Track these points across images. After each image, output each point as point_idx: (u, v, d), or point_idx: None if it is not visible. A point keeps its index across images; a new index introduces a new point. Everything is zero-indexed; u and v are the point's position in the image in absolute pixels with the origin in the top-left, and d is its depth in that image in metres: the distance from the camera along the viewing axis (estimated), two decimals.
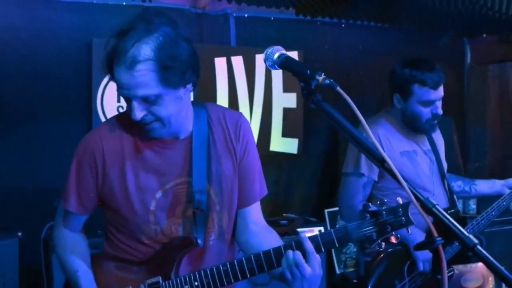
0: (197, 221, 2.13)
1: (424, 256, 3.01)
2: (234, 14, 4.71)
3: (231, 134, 2.22)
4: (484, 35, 5.68)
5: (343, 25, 5.18)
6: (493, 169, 6.05)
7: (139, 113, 1.98)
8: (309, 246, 1.93)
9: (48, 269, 3.77)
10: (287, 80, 4.93)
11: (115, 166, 2.11)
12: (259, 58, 4.76)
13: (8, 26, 4.12)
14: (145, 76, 1.93)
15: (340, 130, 1.65)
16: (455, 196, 3.30)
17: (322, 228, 4.52)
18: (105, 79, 4.37)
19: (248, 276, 2.02)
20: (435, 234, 1.41)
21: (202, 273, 2.05)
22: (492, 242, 4.90)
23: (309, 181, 5.15)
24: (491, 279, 4.71)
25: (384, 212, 1.93)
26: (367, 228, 1.92)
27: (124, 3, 4.36)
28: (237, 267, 2.02)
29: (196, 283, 2.05)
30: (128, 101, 2.00)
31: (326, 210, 4.73)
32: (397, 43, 5.49)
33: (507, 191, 3.39)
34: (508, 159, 6.13)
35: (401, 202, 1.93)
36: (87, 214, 2.26)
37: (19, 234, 3.71)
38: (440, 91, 3.14)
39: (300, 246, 1.95)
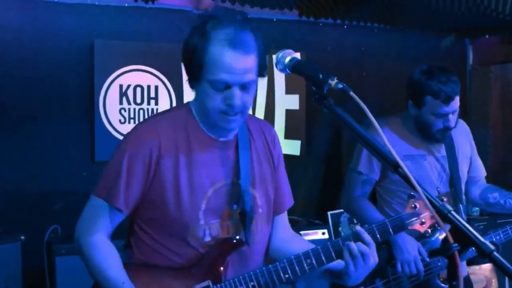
0: (244, 223, 2.14)
1: (403, 257, 3.02)
2: None
3: (268, 142, 2.27)
4: (487, 36, 5.64)
5: (345, 27, 5.15)
6: (495, 169, 5.97)
7: (239, 100, 1.98)
8: (368, 237, 2.03)
9: (51, 272, 3.77)
10: (289, 82, 4.92)
11: (169, 160, 2.06)
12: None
13: (9, 28, 4.12)
14: (253, 62, 1.99)
15: (353, 134, 1.64)
16: (461, 206, 3.26)
17: (325, 230, 4.50)
18: (108, 81, 4.38)
19: (307, 270, 2.06)
20: (451, 240, 1.39)
21: (258, 272, 2.07)
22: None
23: (312, 183, 5.13)
24: (494, 281, 4.73)
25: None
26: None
27: (126, 4, 4.36)
28: (295, 263, 2.06)
29: (252, 283, 2.06)
30: (223, 88, 1.98)
31: (329, 212, 4.71)
32: (400, 44, 5.50)
33: None
34: (510, 160, 6.14)
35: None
36: (127, 214, 2.12)
37: (22, 237, 3.71)
38: (453, 105, 3.10)
39: (358, 238, 2.04)
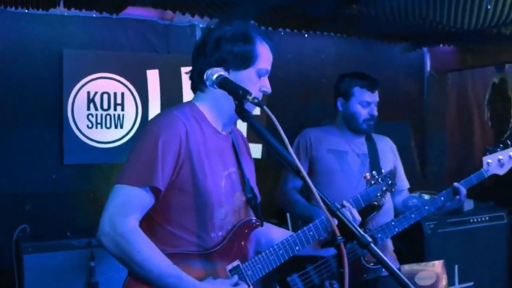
0: (254, 206, 2.42)
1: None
2: (201, 25, 4.91)
3: (245, 141, 2.63)
4: (441, 45, 5.89)
5: (306, 35, 5.35)
6: (452, 173, 6.23)
7: None
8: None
9: (19, 270, 3.89)
10: None
11: (194, 147, 2.25)
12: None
13: None
14: None
15: (265, 143, 1.89)
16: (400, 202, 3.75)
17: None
18: (76, 88, 4.54)
19: (311, 241, 2.48)
20: (338, 233, 1.65)
21: (275, 247, 2.42)
22: (447, 242, 5.09)
23: (273, 185, 5.34)
24: (444, 277, 4.94)
25: (382, 179, 3.07)
26: (377, 190, 3.04)
27: (94, 15, 4.53)
28: (301, 235, 2.47)
29: (272, 257, 2.40)
30: (265, 76, 2.42)
31: (288, 213, 4.94)
32: (359, 52, 5.70)
33: None
34: (466, 164, 6.34)
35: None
36: (157, 200, 2.20)
37: None
38: (376, 95, 3.68)
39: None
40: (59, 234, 3.97)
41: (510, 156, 3.59)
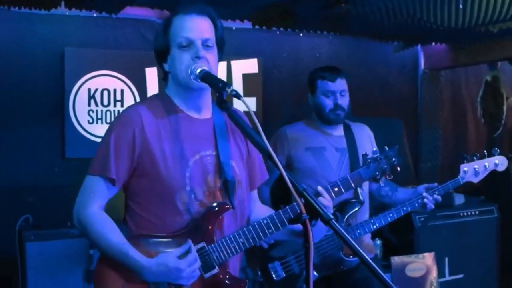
0: (228, 190, 2.41)
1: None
2: None
3: (241, 124, 2.46)
4: (433, 44, 5.97)
5: (301, 34, 5.44)
6: (445, 169, 6.29)
7: (203, 51, 2.36)
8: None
9: (22, 258, 4.03)
10: (246, 85, 5.30)
11: (153, 136, 2.33)
12: (221, 65, 5.12)
13: None
14: (209, 25, 2.43)
15: (241, 131, 2.06)
16: (359, 189, 3.67)
17: None
18: (77, 85, 4.71)
19: (286, 222, 2.40)
20: (304, 211, 1.81)
21: (245, 230, 2.40)
22: (437, 235, 5.19)
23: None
24: (434, 269, 5.06)
25: (381, 157, 3.09)
26: (374, 170, 3.10)
27: (94, 15, 4.65)
28: (275, 217, 2.41)
29: (241, 240, 2.39)
30: (188, 44, 2.37)
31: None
32: (354, 51, 5.82)
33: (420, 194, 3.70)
34: (459, 160, 6.41)
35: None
36: (118, 187, 2.39)
37: None
38: (339, 84, 3.73)
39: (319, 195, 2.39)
40: (60, 224, 4.11)
41: (485, 167, 3.66)
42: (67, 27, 4.69)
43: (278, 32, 5.36)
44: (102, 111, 4.82)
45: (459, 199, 5.53)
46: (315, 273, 3.42)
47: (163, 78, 2.54)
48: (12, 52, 4.53)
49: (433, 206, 3.62)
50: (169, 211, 2.35)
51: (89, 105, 4.78)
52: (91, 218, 2.34)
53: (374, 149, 3.25)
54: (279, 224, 2.41)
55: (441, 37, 5.49)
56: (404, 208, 3.63)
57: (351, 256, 3.56)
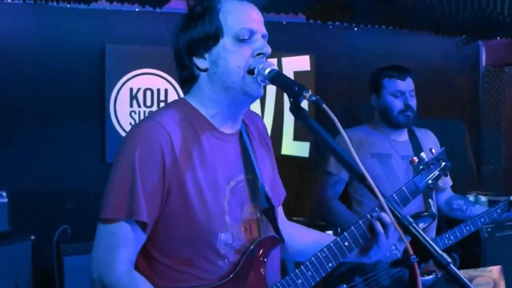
0: (272, 220, 1.97)
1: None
2: None
3: (263, 133, 2.12)
4: (498, 38, 5.64)
5: (355, 28, 5.18)
6: (508, 172, 6.02)
7: (267, 46, 1.89)
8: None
9: (60, 272, 3.88)
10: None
11: (184, 159, 1.79)
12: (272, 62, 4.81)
13: (23, 34, 4.29)
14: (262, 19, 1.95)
15: (324, 145, 1.68)
16: (431, 201, 3.36)
17: (331, 232, 4.53)
18: (118, 84, 4.51)
19: (347, 253, 1.99)
20: (411, 252, 1.44)
21: (302, 268, 1.93)
22: (505, 247, 4.91)
23: None
24: (502, 283, 4.72)
25: (433, 162, 2.51)
26: (428, 178, 2.45)
27: (137, 9, 4.47)
28: (334, 248, 1.97)
29: (299, 281, 1.93)
30: (250, 37, 1.87)
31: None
32: (411, 46, 5.55)
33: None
34: None
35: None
36: (148, 234, 1.81)
37: (32, 237, 3.79)
38: (409, 82, 3.44)
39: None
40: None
41: None
42: (107, 23, 4.53)
43: (331, 27, 5.12)
44: (145, 112, 4.62)
45: None
46: None
47: (184, 80, 1.94)
48: (49, 49, 4.38)
49: None
50: (207, 258, 1.84)
51: (131, 105, 4.58)
52: (123, 283, 1.78)
53: (422, 154, 2.72)
54: (340, 256, 1.98)
55: (509, 31, 5.16)
56: (482, 220, 3.37)
57: (425, 275, 3.19)
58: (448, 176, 3.64)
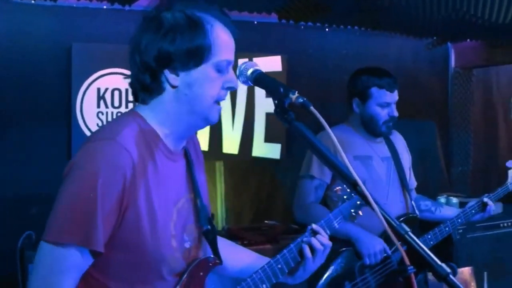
0: (211, 241, 1.94)
1: (369, 251, 3.14)
2: None
3: (197, 147, 2.05)
4: (468, 40, 5.68)
5: (327, 29, 5.17)
6: (476, 173, 6.12)
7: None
8: (324, 233, 2.23)
9: (24, 279, 3.71)
10: None
11: (141, 181, 1.71)
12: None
13: None
14: None
15: (313, 151, 1.61)
16: (413, 203, 3.47)
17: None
18: (85, 84, 4.36)
19: (280, 277, 2.14)
20: (407, 262, 1.38)
21: (260, 271, 2.10)
22: (476, 248, 4.92)
23: (292, 187, 5.11)
24: (473, 285, 4.74)
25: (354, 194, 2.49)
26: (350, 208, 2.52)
27: (105, 7, 4.33)
28: (268, 270, 2.12)
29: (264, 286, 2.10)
30: (227, 69, 1.82)
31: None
32: (382, 47, 5.54)
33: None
34: (491, 163, 6.19)
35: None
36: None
37: None
38: (396, 94, 3.43)
39: (315, 234, 2.22)
40: None
41: None
42: (74, 20, 4.35)
43: (303, 27, 5.08)
44: (112, 113, 4.47)
45: (496, 208, 5.17)
46: None
47: (145, 86, 1.82)
48: (13, 47, 4.19)
49: (493, 207, 3.53)
50: (149, 280, 1.78)
51: (98, 106, 4.43)
52: None
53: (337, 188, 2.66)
54: (272, 279, 2.14)
55: (480, 33, 5.19)
56: (459, 220, 3.49)
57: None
58: (413, 177, 3.68)
